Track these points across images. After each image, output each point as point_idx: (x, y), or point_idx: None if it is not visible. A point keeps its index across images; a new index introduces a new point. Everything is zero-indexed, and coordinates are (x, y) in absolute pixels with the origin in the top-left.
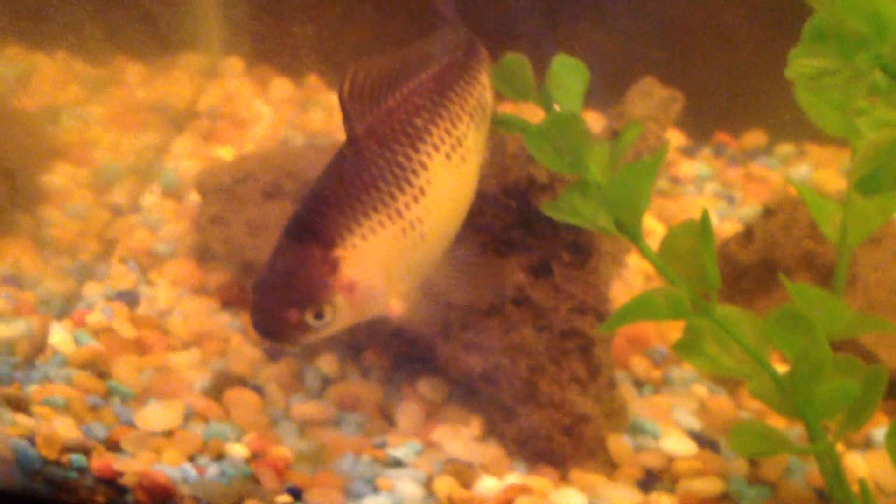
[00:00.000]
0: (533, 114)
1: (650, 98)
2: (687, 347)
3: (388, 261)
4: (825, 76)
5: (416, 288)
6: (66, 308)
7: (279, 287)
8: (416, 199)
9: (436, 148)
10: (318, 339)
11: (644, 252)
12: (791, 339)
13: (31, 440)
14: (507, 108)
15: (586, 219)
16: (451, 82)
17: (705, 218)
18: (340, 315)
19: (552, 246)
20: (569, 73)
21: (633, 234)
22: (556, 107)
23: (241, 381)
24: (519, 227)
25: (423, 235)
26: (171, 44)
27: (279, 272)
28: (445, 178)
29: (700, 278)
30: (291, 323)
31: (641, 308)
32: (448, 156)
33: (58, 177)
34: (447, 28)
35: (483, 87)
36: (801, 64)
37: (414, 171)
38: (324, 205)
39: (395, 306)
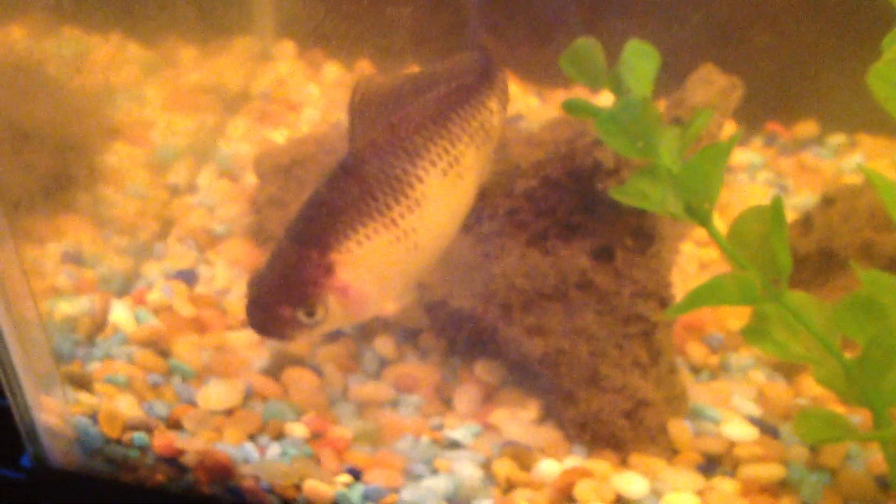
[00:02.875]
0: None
1: (710, 85)
2: (755, 333)
3: (381, 267)
4: None
5: (409, 291)
6: (126, 286)
7: (275, 285)
8: (410, 210)
9: (433, 164)
10: (311, 337)
11: (714, 237)
12: (863, 326)
13: (93, 418)
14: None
15: (655, 203)
16: (454, 104)
17: (777, 203)
18: (333, 315)
19: (615, 230)
20: (640, 58)
21: (704, 219)
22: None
23: (299, 361)
24: (582, 212)
25: (416, 244)
26: (224, 27)
27: (276, 271)
28: (441, 193)
29: (769, 264)
30: (284, 319)
31: (711, 293)
32: (445, 172)
33: (116, 157)
34: (466, 53)
35: (489, 111)
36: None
37: (410, 185)
38: (322, 211)
39: (389, 309)
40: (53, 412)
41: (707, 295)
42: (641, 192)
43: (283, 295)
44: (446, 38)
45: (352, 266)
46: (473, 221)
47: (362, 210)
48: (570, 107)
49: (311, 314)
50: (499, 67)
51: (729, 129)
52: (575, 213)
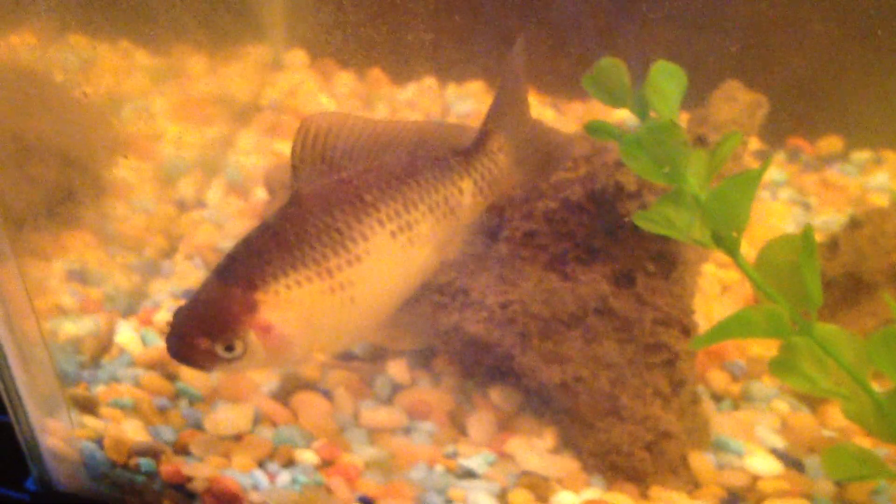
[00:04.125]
0: None
1: (735, 102)
2: (782, 366)
3: (310, 314)
4: None
5: (343, 344)
6: (132, 305)
7: (196, 317)
8: (350, 264)
9: (381, 223)
10: (234, 372)
11: (742, 267)
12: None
13: (99, 443)
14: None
15: (680, 230)
16: (416, 171)
17: (808, 233)
18: (253, 353)
19: (636, 255)
20: (667, 79)
21: (732, 249)
22: (653, 114)
23: (309, 386)
24: (603, 236)
25: (352, 298)
26: (235, 35)
27: (199, 303)
28: (387, 253)
29: (799, 295)
30: (200, 350)
31: (739, 325)
32: (394, 234)
33: (122, 170)
34: (463, 127)
35: (458, 189)
36: None
37: (353, 239)
38: (255, 251)
39: (317, 357)
40: (58, 435)
41: (735, 327)
42: (666, 219)
43: (203, 327)
44: (460, 48)
45: (277, 308)
46: (490, 243)
47: (296, 256)
48: (593, 129)
49: (230, 349)
50: (492, 156)
51: (750, 143)
52: (595, 237)
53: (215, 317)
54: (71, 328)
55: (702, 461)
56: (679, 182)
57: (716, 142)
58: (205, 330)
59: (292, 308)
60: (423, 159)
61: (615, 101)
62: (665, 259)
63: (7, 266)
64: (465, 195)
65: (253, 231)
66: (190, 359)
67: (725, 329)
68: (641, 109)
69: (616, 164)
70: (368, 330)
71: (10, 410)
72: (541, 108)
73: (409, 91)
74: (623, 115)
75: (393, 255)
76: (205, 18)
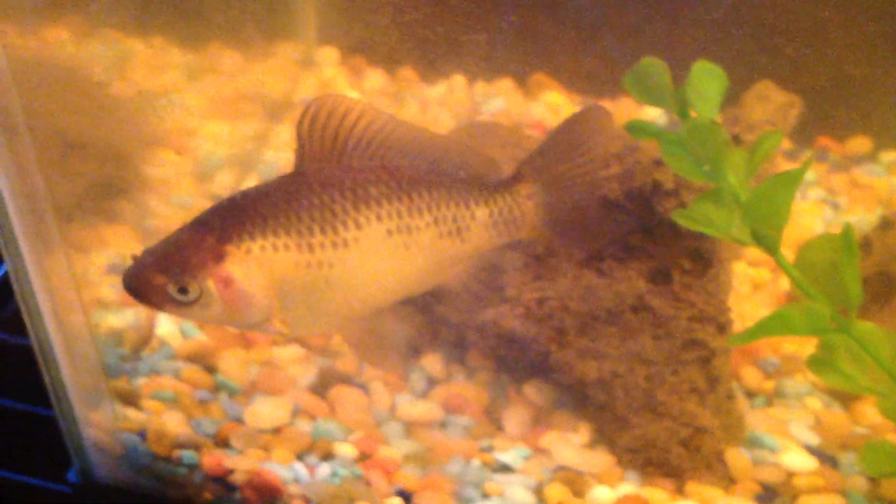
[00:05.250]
0: None
1: (768, 102)
2: (820, 364)
3: (280, 282)
4: None
5: (310, 328)
6: None
7: (158, 253)
8: (334, 246)
9: (378, 218)
10: (186, 318)
11: (782, 265)
12: None
13: (141, 435)
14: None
15: (720, 229)
16: (429, 184)
17: (848, 232)
18: (208, 302)
19: (672, 253)
20: (708, 80)
21: (772, 247)
22: (693, 113)
23: (346, 379)
24: (639, 233)
25: (328, 280)
26: (267, 32)
27: (167, 243)
28: (378, 249)
29: (838, 293)
30: (153, 285)
31: (779, 323)
32: (390, 232)
33: (159, 165)
34: (494, 161)
35: (471, 215)
36: None
37: (345, 224)
38: (239, 207)
39: (278, 328)
40: (101, 428)
41: (774, 325)
42: (706, 217)
43: (161, 263)
44: (489, 45)
45: (244, 264)
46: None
47: (280, 221)
48: (633, 128)
49: (183, 291)
50: (517, 198)
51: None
52: (632, 235)
53: (176, 256)
54: (112, 321)
55: (737, 457)
56: (719, 181)
57: (753, 141)
58: (162, 267)
59: (261, 270)
60: (442, 174)
61: (656, 101)
62: (701, 257)
63: (55, 259)
64: (477, 223)
65: (248, 189)
66: (141, 292)
67: (765, 327)
68: (681, 109)
69: (652, 163)
70: (339, 319)
71: (55, 404)
72: (570, 106)
73: (439, 89)
74: (653, 114)
75: (384, 253)
76: (239, 16)
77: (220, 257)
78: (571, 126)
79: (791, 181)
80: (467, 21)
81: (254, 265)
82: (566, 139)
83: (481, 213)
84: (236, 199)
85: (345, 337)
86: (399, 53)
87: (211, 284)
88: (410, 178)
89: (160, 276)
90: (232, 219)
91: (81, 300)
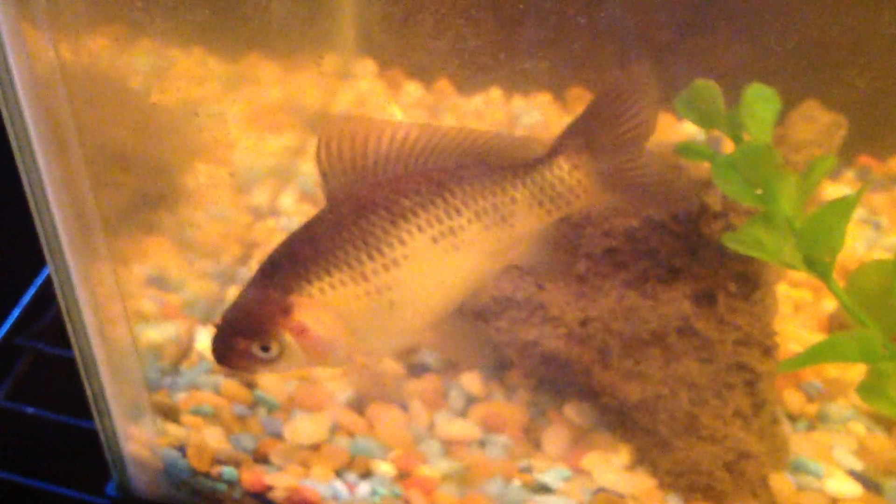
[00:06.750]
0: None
1: (814, 123)
2: (871, 391)
3: (346, 317)
4: None
5: (390, 349)
6: (210, 312)
7: (234, 319)
8: (386, 269)
9: (420, 229)
10: (278, 373)
11: (834, 292)
12: None
13: (181, 450)
14: None
15: (771, 253)
16: (460, 179)
17: None
18: (291, 354)
19: (718, 275)
20: (761, 102)
21: (825, 273)
22: (746, 136)
23: (385, 396)
24: (684, 255)
25: (391, 302)
26: (305, 43)
27: (238, 307)
28: (428, 259)
29: (889, 319)
30: (238, 351)
31: (831, 350)
32: (435, 239)
33: (198, 176)
34: (529, 140)
35: (511, 199)
36: None
37: (389, 244)
38: (290, 257)
39: (361, 361)
40: (141, 442)
41: (826, 352)
42: (756, 241)
43: (240, 328)
44: (527, 60)
45: (310, 310)
46: (569, 259)
47: (330, 260)
48: (685, 151)
49: (265, 349)
50: (558, 171)
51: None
52: (677, 256)
53: (251, 319)
54: (153, 334)
55: (782, 482)
56: (771, 205)
57: (798, 160)
58: (242, 332)
59: (326, 310)
60: (470, 167)
61: (708, 122)
62: (747, 280)
63: (100, 271)
64: (520, 205)
65: (293, 234)
66: (231, 360)
67: (817, 353)
68: (734, 131)
69: (700, 184)
70: (414, 334)
71: (96, 417)
72: None
73: (476, 101)
74: (691, 131)
75: (435, 261)
76: (277, 27)
77: (287, 310)
78: (615, 88)
79: (846, 208)
80: (504, 34)
81: (319, 308)
82: (611, 101)
83: (521, 195)
84: (286, 247)
85: (430, 346)
86: (436, 66)
87: (288, 337)
88: (440, 180)
89: (242, 341)
90: (287, 268)
91: (125, 313)
